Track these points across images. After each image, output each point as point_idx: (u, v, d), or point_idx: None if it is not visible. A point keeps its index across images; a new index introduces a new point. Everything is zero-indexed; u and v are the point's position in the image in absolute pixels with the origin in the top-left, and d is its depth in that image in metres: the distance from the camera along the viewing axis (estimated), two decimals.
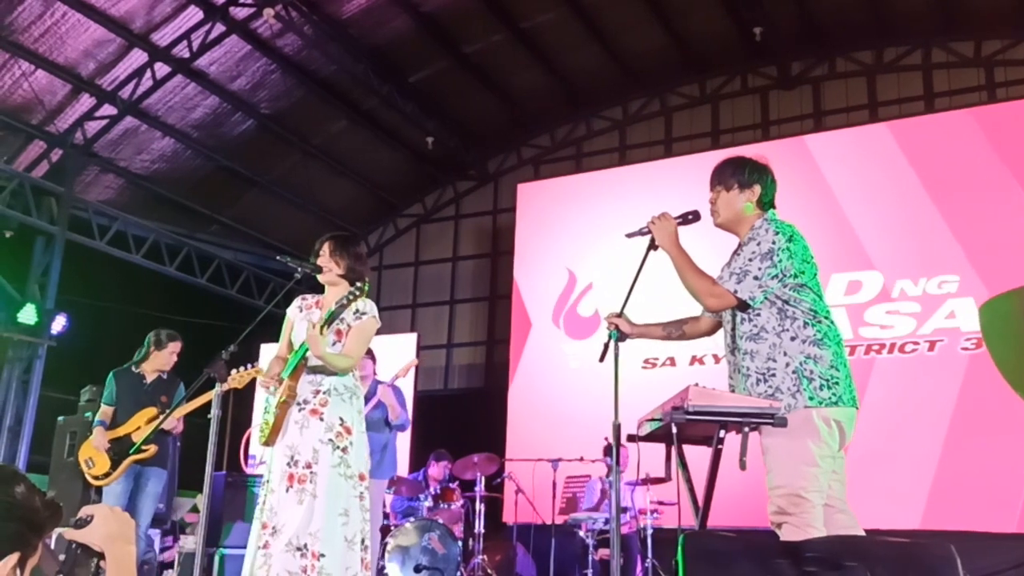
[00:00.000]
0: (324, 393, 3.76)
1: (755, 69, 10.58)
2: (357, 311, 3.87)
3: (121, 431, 5.45)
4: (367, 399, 5.68)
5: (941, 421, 7.60)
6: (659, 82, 10.99)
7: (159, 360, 5.60)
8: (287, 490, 3.64)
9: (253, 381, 4.73)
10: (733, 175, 3.26)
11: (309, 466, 3.65)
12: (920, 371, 7.88)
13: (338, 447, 3.70)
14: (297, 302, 4.06)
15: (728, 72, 10.73)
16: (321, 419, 3.72)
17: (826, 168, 8.72)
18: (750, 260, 3.06)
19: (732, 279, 3.07)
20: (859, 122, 9.60)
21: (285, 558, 3.54)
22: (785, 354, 3.01)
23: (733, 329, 3.18)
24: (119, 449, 5.38)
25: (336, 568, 3.56)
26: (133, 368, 5.64)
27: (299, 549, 3.55)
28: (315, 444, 3.68)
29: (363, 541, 3.69)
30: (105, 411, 5.55)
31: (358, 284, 3.78)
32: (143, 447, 5.30)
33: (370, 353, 5.84)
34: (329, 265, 3.97)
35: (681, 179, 8.92)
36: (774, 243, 3.05)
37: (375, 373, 6.06)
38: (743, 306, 3.09)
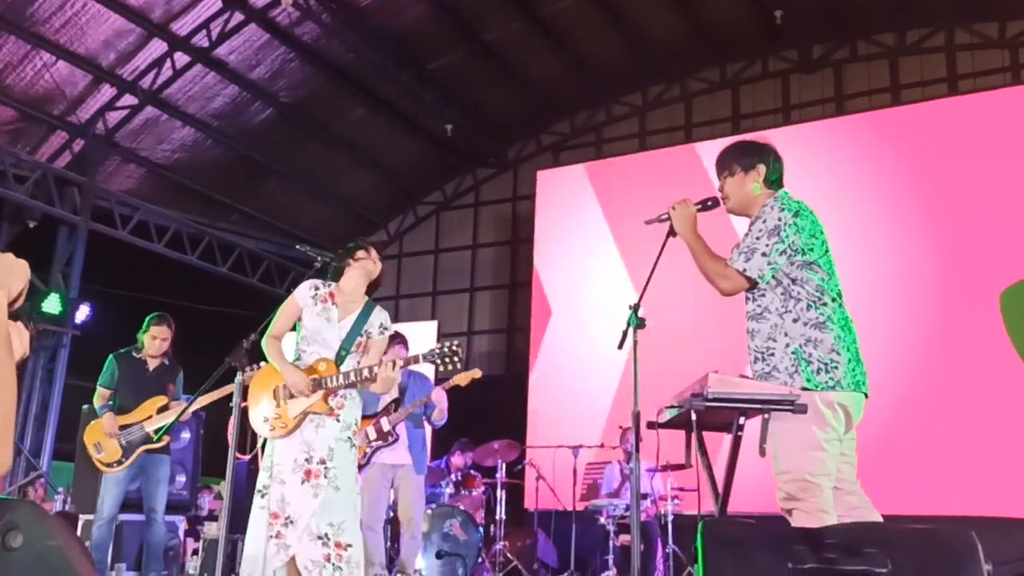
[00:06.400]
0: (341, 397, 3.90)
1: (776, 53, 10.49)
2: (382, 325, 4.02)
3: (131, 418, 5.41)
4: (404, 391, 5.78)
5: (967, 405, 7.54)
6: (679, 67, 10.91)
7: (151, 347, 5.55)
8: (302, 483, 3.74)
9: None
10: (735, 159, 3.24)
11: (324, 462, 3.77)
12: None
13: (353, 445, 3.88)
14: (309, 289, 3.99)
15: (748, 56, 10.64)
16: (338, 420, 3.85)
17: (846, 153, 8.65)
18: (757, 238, 3.03)
19: (740, 258, 3.05)
20: (881, 105, 9.49)
21: (308, 548, 3.66)
22: (786, 335, 2.98)
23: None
24: (130, 436, 5.39)
25: (360, 555, 3.73)
26: (134, 353, 5.60)
27: (320, 538, 3.67)
28: (331, 443, 3.80)
29: None
30: (103, 394, 5.48)
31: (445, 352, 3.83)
32: (159, 438, 5.33)
33: (404, 343, 5.91)
34: (376, 261, 4.09)
35: (701, 164, 8.87)
36: (780, 219, 3.02)
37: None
38: (754, 285, 3.06)
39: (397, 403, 5.80)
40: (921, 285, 8.00)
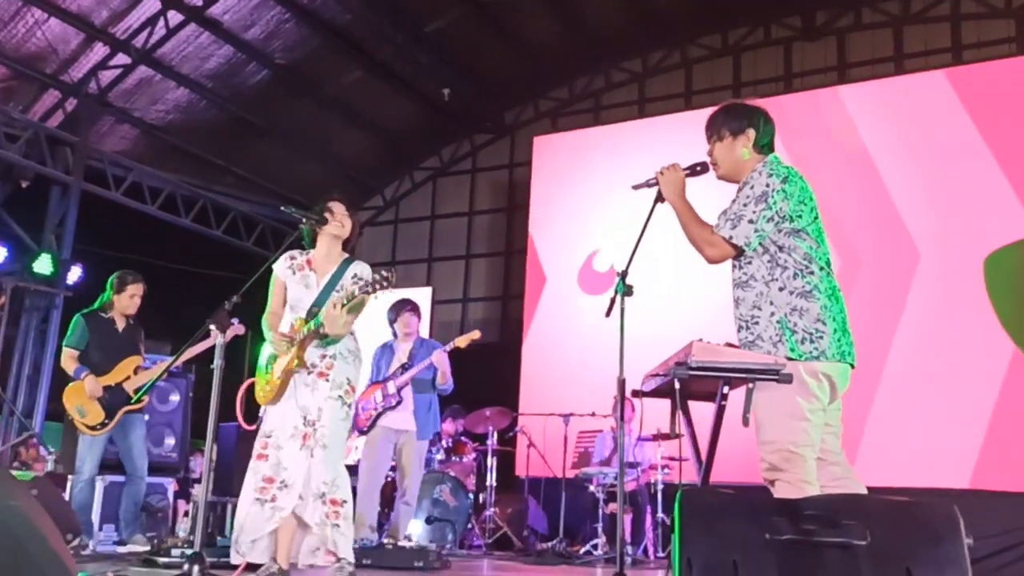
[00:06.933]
0: (330, 357, 3.88)
1: (778, 20, 10.34)
2: (356, 276, 3.92)
3: (111, 379, 5.40)
4: (414, 357, 5.73)
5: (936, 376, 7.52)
6: (680, 33, 10.76)
7: (121, 304, 5.52)
8: (300, 448, 3.76)
9: (239, 336, 4.72)
10: (724, 123, 3.18)
11: (314, 423, 3.79)
12: None
13: (346, 403, 3.87)
14: (285, 261, 4.02)
15: (751, 23, 10.49)
16: (327, 380, 3.85)
17: (848, 121, 8.54)
18: (744, 205, 2.97)
19: (727, 225, 2.98)
20: (884, 75, 9.36)
21: (314, 509, 3.73)
22: (771, 303, 2.93)
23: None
24: (112, 398, 5.35)
25: (351, 511, 3.81)
26: (102, 313, 5.55)
27: (319, 498, 3.73)
28: (320, 403, 3.81)
29: None
30: (72, 355, 5.45)
31: (373, 279, 3.72)
32: (139, 398, 5.31)
33: (415, 310, 5.93)
34: (343, 222, 4.00)
35: (701, 133, 8.73)
36: (768, 185, 2.96)
37: (418, 331, 6.13)
38: (740, 252, 3.00)
39: (405, 368, 5.81)
40: (915, 255, 7.92)
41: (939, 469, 7.28)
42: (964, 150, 7.93)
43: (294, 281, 3.96)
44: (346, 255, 4.06)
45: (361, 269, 3.97)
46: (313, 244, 4.06)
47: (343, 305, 3.69)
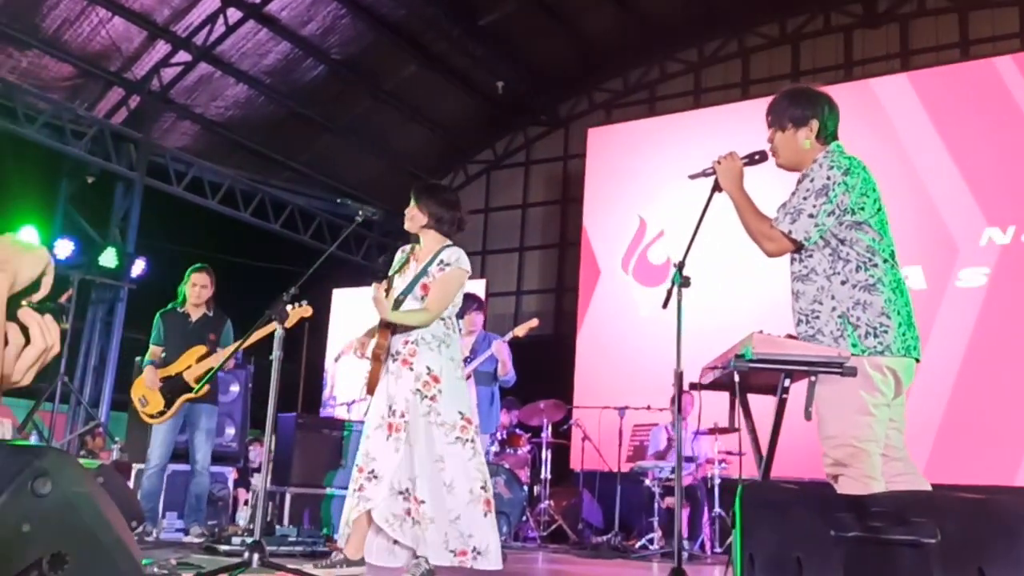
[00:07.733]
0: (412, 343, 3.83)
1: (839, 7, 10.13)
2: (442, 262, 3.89)
3: (172, 369, 5.53)
4: (476, 352, 5.72)
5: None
6: (737, 22, 10.60)
7: (191, 295, 5.66)
8: (387, 438, 3.75)
9: (303, 320, 4.76)
10: (787, 112, 3.07)
11: (403, 415, 3.76)
12: None
13: (426, 396, 3.76)
14: (398, 255, 4.09)
15: (810, 10, 10.30)
16: (411, 369, 3.80)
17: (911, 110, 8.32)
18: (804, 198, 2.89)
19: (786, 219, 2.90)
20: (949, 61, 9.10)
21: (390, 502, 3.70)
22: (833, 298, 2.85)
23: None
24: (171, 387, 5.48)
25: (437, 512, 3.64)
26: (178, 308, 5.72)
27: (401, 493, 3.70)
28: (407, 394, 3.77)
29: (482, 486, 3.72)
30: (154, 351, 5.66)
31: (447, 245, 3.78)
32: (200, 388, 5.41)
33: (480, 307, 5.92)
34: (412, 213, 3.97)
35: (758, 123, 8.58)
36: (828, 178, 2.87)
37: (484, 327, 6.13)
38: (800, 247, 2.93)
39: (466, 361, 5.83)
40: (991, 245, 7.68)
41: (1013, 465, 7.07)
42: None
43: (398, 276, 4.03)
44: (446, 242, 3.99)
45: (448, 254, 3.92)
46: (418, 239, 4.09)
47: (386, 288, 3.70)
